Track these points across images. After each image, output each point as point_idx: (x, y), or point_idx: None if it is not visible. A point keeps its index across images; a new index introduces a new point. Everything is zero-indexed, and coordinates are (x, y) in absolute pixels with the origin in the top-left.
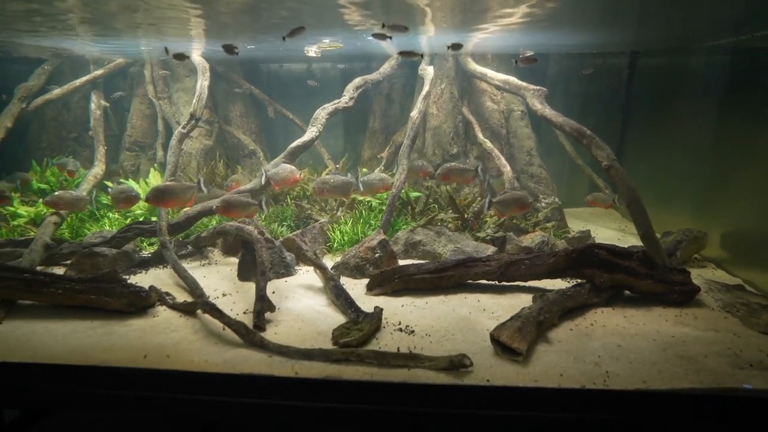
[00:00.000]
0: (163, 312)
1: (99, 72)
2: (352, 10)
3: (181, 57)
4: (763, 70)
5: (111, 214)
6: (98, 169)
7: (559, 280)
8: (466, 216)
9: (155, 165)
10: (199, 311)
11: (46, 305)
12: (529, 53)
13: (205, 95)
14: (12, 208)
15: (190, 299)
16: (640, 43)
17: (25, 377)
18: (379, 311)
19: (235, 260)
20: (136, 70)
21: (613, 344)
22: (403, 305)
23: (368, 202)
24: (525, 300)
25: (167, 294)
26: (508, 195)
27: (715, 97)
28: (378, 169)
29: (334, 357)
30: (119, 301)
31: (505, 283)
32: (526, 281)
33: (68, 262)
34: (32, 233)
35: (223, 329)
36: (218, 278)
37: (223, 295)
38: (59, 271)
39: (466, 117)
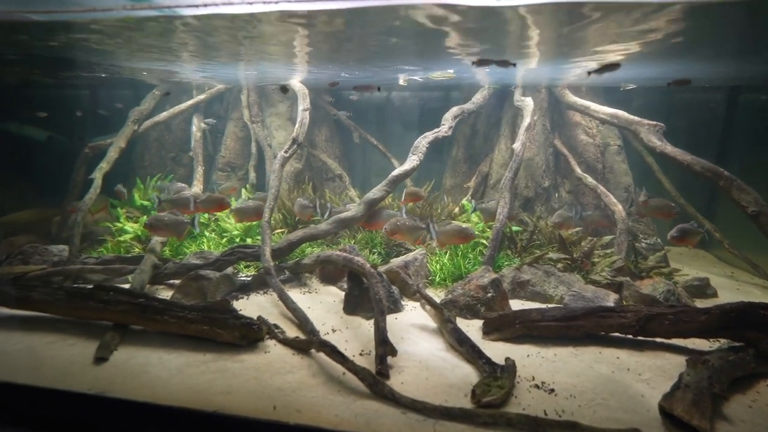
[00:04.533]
0: (273, 347)
1: (202, 97)
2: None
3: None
4: None
5: (207, 233)
6: (196, 188)
7: (700, 339)
8: (575, 256)
9: (247, 186)
10: (313, 350)
11: (156, 332)
12: (630, 86)
13: (307, 120)
14: (119, 224)
15: (298, 333)
16: (744, 78)
17: (147, 419)
18: (512, 363)
19: (334, 289)
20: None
21: None
22: (528, 355)
23: None
24: (672, 361)
25: (275, 327)
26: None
27: None
28: (465, 198)
29: (479, 419)
30: (231, 334)
31: (640, 338)
32: (668, 338)
33: (172, 282)
34: (137, 249)
35: (343, 374)
36: (323, 310)
37: (333, 330)
38: (163, 291)
39: (559, 150)
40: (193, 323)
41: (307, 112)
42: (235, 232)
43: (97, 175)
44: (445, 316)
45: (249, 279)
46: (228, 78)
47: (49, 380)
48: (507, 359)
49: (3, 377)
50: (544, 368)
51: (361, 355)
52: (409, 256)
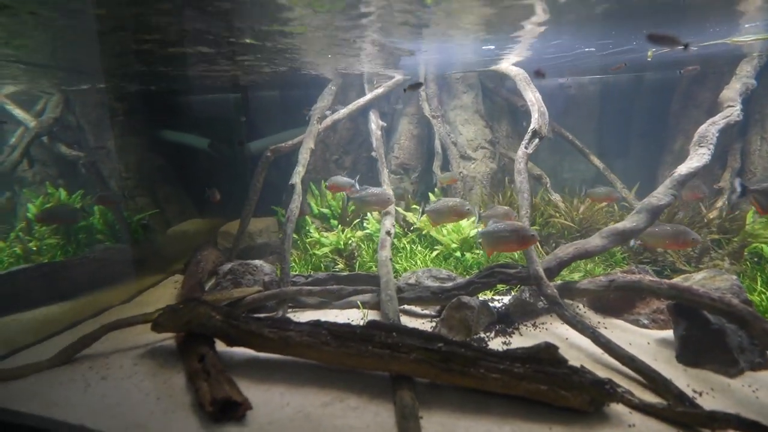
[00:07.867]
0: (628, 415)
1: (380, 90)
2: None
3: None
4: None
5: (419, 247)
6: None
7: None
8: None
9: (435, 190)
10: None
11: (453, 386)
12: None
13: (545, 109)
14: (315, 236)
15: (635, 390)
16: None
17: None
18: None
19: (623, 323)
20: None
21: None
22: None
23: (760, 248)
24: None
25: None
26: None
27: None
28: (721, 203)
29: None
30: (578, 398)
31: None
32: None
33: (404, 306)
34: (340, 264)
35: None
36: (643, 356)
37: (696, 393)
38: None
39: None
40: (524, 380)
41: (540, 97)
42: (453, 245)
43: (297, 180)
44: None
45: (501, 306)
46: (406, 65)
47: None
48: None
49: None
50: None
51: None
52: (709, 277)
